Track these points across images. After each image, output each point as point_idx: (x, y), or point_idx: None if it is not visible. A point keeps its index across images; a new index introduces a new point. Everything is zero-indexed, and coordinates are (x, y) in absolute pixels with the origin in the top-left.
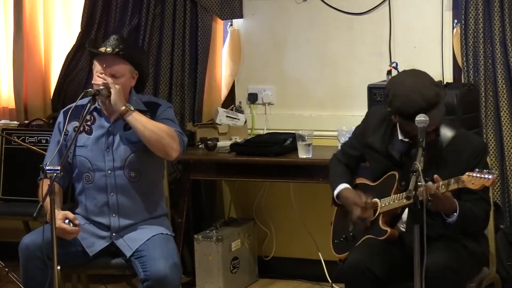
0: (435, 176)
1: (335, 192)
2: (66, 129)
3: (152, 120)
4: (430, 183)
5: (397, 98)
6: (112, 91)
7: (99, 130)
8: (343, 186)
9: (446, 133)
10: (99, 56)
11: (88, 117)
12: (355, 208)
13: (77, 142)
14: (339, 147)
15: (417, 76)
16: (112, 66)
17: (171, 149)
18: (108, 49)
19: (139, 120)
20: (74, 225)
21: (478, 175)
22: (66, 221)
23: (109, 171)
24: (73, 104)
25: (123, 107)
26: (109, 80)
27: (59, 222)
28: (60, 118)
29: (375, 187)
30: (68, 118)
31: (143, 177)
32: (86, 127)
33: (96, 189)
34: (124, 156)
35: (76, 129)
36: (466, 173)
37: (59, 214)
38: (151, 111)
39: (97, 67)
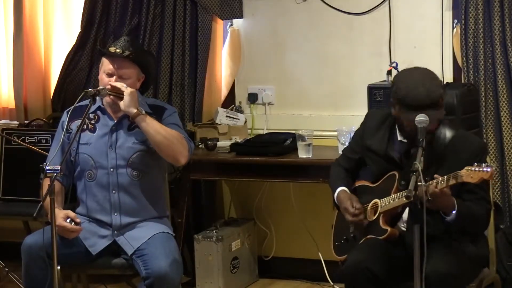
0: (436, 175)
1: (334, 196)
2: (69, 127)
3: (164, 126)
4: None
5: (403, 87)
6: (125, 93)
7: (103, 128)
8: (339, 189)
9: (446, 133)
10: (108, 56)
11: (92, 116)
12: (346, 214)
13: (81, 139)
14: (340, 151)
15: (427, 74)
16: (121, 68)
17: (180, 155)
18: (118, 50)
19: (150, 125)
20: (76, 223)
21: (476, 168)
22: (68, 220)
23: (111, 169)
24: (76, 104)
25: (135, 110)
26: (120, 84)
27: (60, 221)
28: (64, 117)
29: (375, 188)
30: (72, 117)
31: (145, 176)
32: (90, 125)
33: (98, 187)
34: (127, 155)
35: (78, 127)
36: (465, 168)
37: (61, 213)
38: (156, 114)
39: (105, 66)
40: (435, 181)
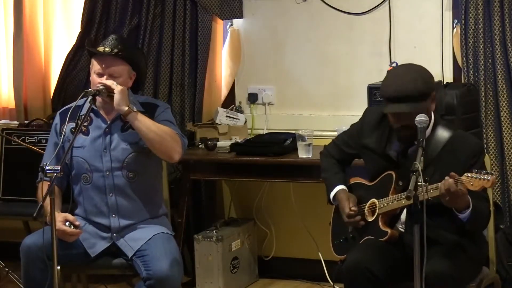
0: (452, 173)
1: (332, 195)
2: (63, 130)
3: (156, 122)
4: (449, 179)
5: (383, 83)
6: (115, 91)
7: (96, 131)
8: (339, 188)
9: (443, 133)
10: (97, 56)
11: (85, 118)
12: (342, 214)
13: (74, 143)
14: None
15: (408, 67)
16: (111, 66)
17: (174, 151)
18: (107, 49)
19: (142, 122)
20: (75, 226)
21: (477, 176)
22: (67, 223)
23: (107, 172)
24: (71, 105)
25: (127, 108)
26: (110, 82)
27: (59, 225)
28: (57, 119)
29: (372, 187)
30: (64, 119)
31: (141, 177)
32: (83, 128)
33: (95, 190)
34: (121, 157)
35: (73, 130)
36: (465, 174)
37: (59, 216)
38: (148, 112)
39: (95, 66)
40: (455, 180)
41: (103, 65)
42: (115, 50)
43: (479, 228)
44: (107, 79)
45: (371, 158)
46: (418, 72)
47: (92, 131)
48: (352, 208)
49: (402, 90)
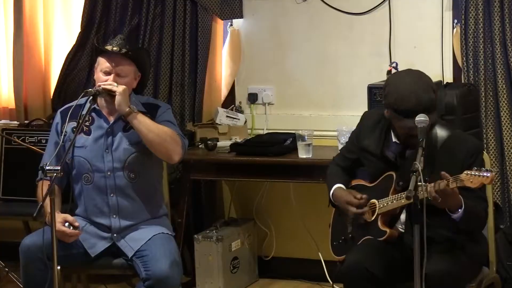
0: (442, 172)
1: (330, 193)
2: (64, 129)
3: (156, 123)
4: (443, 181)
5: (394, 94)
6: (117, 92)
7: (98, 130)
8: (336, 186)
9: (441, 133)
10: (105, 54)
11: (86, 118)
12: (349, 206)
13: (76, 142)
14: (339, 149)
15: (417, 77)
16: (119, 65)
17: (174, 152)
18: (115, 48)
19: (143, 123)
20: (74, 227)
21: (476, 173)
22: (66, 224)
23: (108, 172)
24: (71, 104)
25: (127, 109)
26: (109, 85)
27: (59, 225)
28: (57, 118)
29: (372, 188)
30: (65, 118)
31: (142, 178)
32: (85, 127)
33: (96, 190)
34: (123, 157)
35: (75, 129)
36: (464, 172)
37: (59, 217)
38: (150, 112)
39: (102, 64)
40: (446, 180)
41: (112, 63)
42: (124, 50)
43: (475, 229)
44: (114, 78)
45: (370, 160)
46: (425, 82)
47: (94, 131)
48: (363, 196)
49: (421, 103)
